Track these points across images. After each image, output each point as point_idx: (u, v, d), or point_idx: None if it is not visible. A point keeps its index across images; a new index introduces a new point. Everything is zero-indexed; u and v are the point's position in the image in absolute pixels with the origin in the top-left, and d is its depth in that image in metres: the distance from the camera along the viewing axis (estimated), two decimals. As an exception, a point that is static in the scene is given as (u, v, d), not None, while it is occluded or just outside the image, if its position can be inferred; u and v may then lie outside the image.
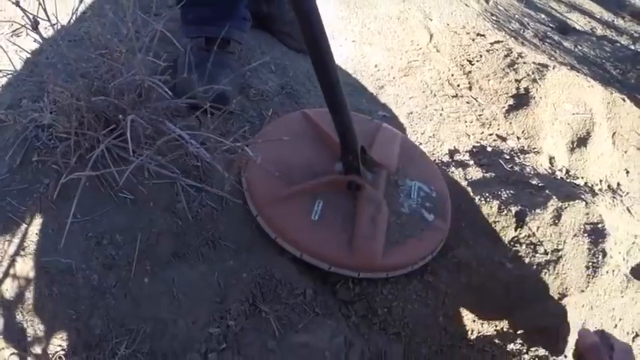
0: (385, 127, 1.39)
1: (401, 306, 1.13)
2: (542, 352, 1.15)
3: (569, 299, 1.18)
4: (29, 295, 0.98)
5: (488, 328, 1.16)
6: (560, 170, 1.57)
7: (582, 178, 1.59)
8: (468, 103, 1.70)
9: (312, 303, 1.10)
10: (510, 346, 1.15)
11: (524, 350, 1.15)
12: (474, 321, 1.16)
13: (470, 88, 1.76)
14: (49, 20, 0.97)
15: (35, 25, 0.97)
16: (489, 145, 1.55)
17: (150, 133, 1.13)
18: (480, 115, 1.66)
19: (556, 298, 1.18)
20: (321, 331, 1.05)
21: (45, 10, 0.96)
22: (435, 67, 1.83)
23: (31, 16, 0.96)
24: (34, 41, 1.08)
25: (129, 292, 1.02)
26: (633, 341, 1.22)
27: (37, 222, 1.04)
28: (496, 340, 1.15)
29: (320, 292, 1.12)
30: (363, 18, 1.96)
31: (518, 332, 1.16)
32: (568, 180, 1.51)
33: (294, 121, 1.34)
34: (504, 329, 1.16)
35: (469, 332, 1.16)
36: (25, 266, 0.99)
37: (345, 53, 1.76)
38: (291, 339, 1.03)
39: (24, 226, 1.03)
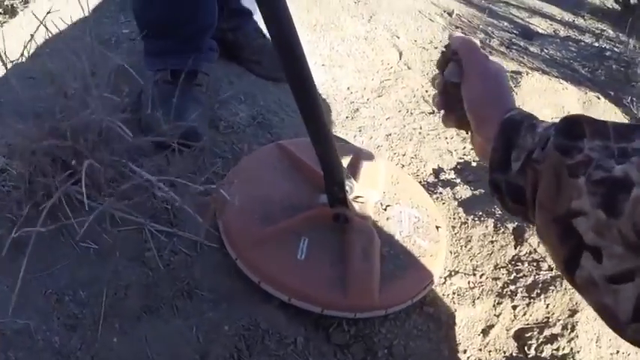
0: (366, 152, 1.27)
1: (402, 344, 1.00)
2: None
3: (580, 315, 1.08)
4: None
5: (496, 356, 1.04)
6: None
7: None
8: (446, 119, 1.61)
9: (304, 352, 0.96)
10: (522, 374, 1.03)
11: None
12: (480, 350, 1.04)
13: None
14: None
15: None
16: (473, 160, 1.45)
17: (113, 177, 1.00)
18: (459, 131, 1.56)
19: (567, 314, 1.08)
20: (318, 382, 0.91)
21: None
22: (408, 84, 1.74)
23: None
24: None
25: (96, 354, 0.86)
26: None
27: None
28: (506, 368, 1.03)
29: (312, 339, 0.99)
30: (331, 40, 1.86)
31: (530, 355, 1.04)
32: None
33: (269, 155, 1.22)
34: (513, 354, 1.04)
35: (477, 364, 1.04)
36: None
37: (315, 78, 1.64)
38: (285, 394, 0.89)
39: None
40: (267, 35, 1.06)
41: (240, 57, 1.59)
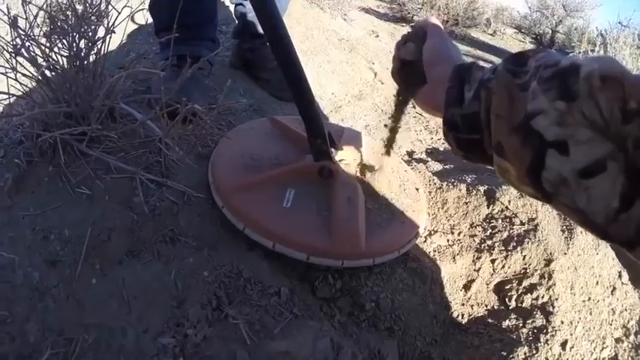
0: (349, 128, 1.06)
1: (389, 297, 0.76)
2: (539, 322, 0.78)
3: (555, 264, 0.85)
4: None
5: (478, 310, 0.80)
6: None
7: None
8: (414, 117, 1.43)
9: (288, 303, 0.71)
10: (505, 323, 0.79)
11: (521, 324, 0.78)
12: (463, 304, 0.80)
13: (414, 107, 1.49)
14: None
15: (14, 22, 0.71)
16: (441, 147, 1.25)
17: (111, 126, 0.77)
18: (426, 126, 1.38)
19: (543, 264, 0.85)
20: (302, 336, 0.66)
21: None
22: (382, 94, 1.56)
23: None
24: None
25: (72, 294, 0.62)
26: (612, 294, 0.90)
27: None
28: (489, 320, 0.79)
29: (297, 291, 0.74)
30: (319, 62, 1.68)
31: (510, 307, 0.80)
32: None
33: (262, 124, 1.00)
34: (495, 307, 0.80)
35: (460, 317, 0.79)
36: None
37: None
38: (267, 347, 0.63)
39: None
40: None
41: (254, 74, 1.43)
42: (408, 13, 3.59)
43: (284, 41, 0.75)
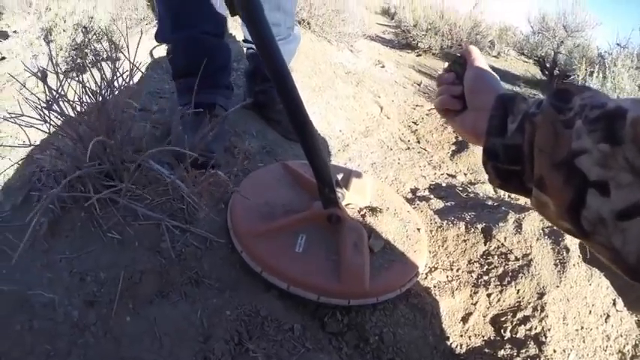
0: (356, 171, 1.17)
1: (392, 331, 0.84)
2: (532, 352, 0.86)
3: (547, 297, 0.93)
4: (9, 326, 0.68)
5: (476, 340, 0.88)
6: (508, 196, 1.36)
7: (523, 198, 1.38)
8: (419, 152, 1.52)
9: (301, 338, 0.80)
10: (501, 353, 0.87)
11: (515, 354, 0.86)
12: (461, 336, 0.88)
13: (418, 142, 1.60)
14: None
15: (44, 77, 0.83)
16: (443, 182, 1.34)
17: (138, 178, 0.89)
18: (430, 161, 1.47)
19: (535, 297, 0.93)
20: (314, 366, 0.74)
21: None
22: (388, 129, 1.67)
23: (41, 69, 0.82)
24: (44, 92, 0.87)
25: (109, 330, 0.72)
26: (606, 322, 0.96)
27: (29, 257, 0.77)
28: (486, 350, 0.87)
29: (309, 327, 0.83)
30: (327, 98, 1.81)
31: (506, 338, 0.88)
32: (514, 202, 1.30)
33: (275, 171, 1.11)
34: (491, 338, 0.88)
35: (459, 347, 0.87)
36: (10, 297, 0.71)
37: (313, 122, 1.58)
38: (283, 377, 0.72)
39: (15, 260, 0.75)
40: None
41: (265, 115, 1.53)
42: (413, 39, 3.74)
43: (290, 95, 0.83)
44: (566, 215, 0.38)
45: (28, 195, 0.91)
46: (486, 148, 0.48)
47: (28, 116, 0.90)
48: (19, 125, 0.90)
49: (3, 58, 2.05)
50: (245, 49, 1.52)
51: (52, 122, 0.90)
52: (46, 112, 0.91)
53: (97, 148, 0.88)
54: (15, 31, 2.49)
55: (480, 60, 0.57)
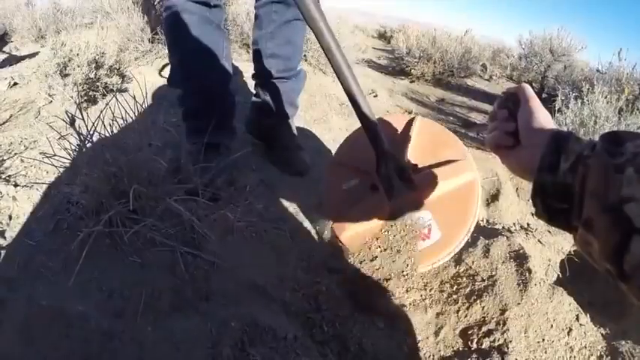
0: None
1: (370, 342, 1.00)
2: None
3: (509, 313, 1.08)
4: (48, 334, 0.84)
5: (446, 351, 1.03)
6: (482, 220, 1.53)
7: (499, 223, 1.55)
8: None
9: (293, 345, 0.96)
10: (468, 363, 1.02)
11: (480, 364, 1.01)
12: (433, 347, 1.04)
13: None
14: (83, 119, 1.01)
15: (72, 122, 1.02)
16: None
17: (153, 207, 1.06)
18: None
19: (498, 313, 1.08)
20: (303, 370, 0.90)
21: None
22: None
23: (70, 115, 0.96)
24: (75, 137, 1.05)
25: (134, 338, 0.87)
26: (568, 335, 1.10)
27: (63, 277, 0.94)
28: (455, 359, 1.02)
29: (300, 336, 0.99)
30: (320, 131, 1.99)
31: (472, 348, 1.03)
32: (489, 227, 1.46)
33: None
34: (460, 349, 1.03)
35: (431, 357, 1.03)
36: (49, 310, 0.87)
37: (307, 154, 1.75)
38: (277, 377, 0.88)
39: (51, 279, 0.94)
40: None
41: (268, 148, 1.65)
42: (406, 66, 3.97)
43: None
44: (610, 257, 0.40)
45: (57, 223, 1.08)
46: (536, 183, 0.49)
47: (60, 156, 1.09)
48: (55, 166, 1.09)
49: (15, 84, 2.15)
50: (253, 96, 1.65)
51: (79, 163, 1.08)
52: (76, 154, 1.10)
53: (123, 185, 1.06)
54: (24, 58, 2.65)
55: (533, 98, 0.59)
